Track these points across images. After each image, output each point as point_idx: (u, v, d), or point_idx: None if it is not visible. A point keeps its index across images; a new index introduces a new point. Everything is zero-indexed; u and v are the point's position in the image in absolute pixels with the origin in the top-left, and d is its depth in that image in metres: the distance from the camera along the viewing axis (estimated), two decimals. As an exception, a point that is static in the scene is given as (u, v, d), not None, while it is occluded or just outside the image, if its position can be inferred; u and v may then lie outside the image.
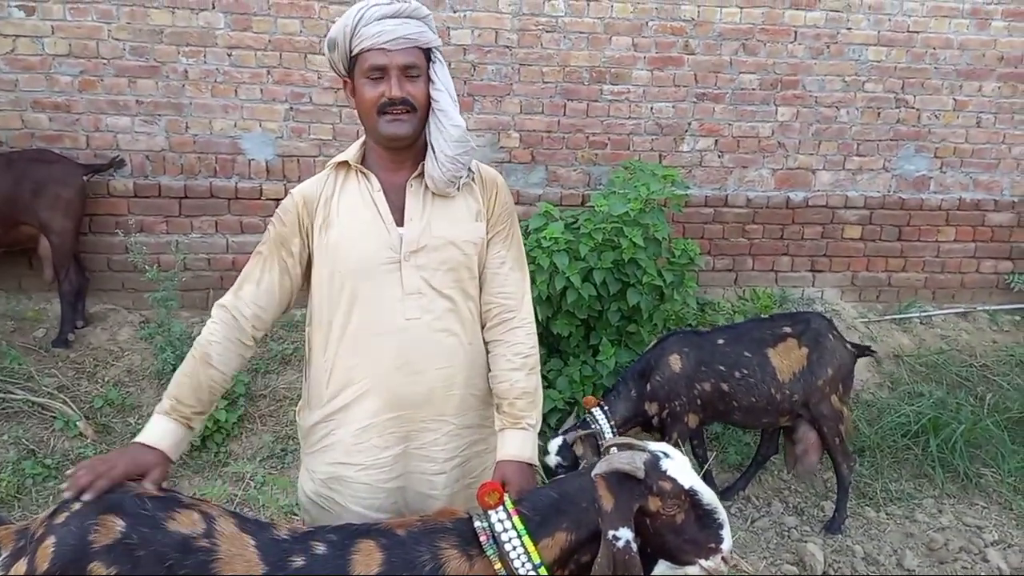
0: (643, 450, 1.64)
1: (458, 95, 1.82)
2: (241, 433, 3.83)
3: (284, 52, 4.43)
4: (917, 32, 4.92)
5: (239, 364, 1.79)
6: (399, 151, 1.78)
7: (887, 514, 3.68)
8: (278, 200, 4.48)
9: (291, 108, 4.49)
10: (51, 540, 1.43)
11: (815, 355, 3.40)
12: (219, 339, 1.75)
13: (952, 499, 3.82)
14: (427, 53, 1.76)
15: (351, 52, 1.73)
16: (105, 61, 4.29)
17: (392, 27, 1.69)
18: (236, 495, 3.39)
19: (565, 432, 3.18)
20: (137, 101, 4.36)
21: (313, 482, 1.86)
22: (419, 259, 1.75)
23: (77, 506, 1.48)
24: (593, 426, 3.15)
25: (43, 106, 4.29)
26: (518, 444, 1.77)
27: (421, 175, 1.78)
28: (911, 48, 4.93)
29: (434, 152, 1.74)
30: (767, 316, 3.77)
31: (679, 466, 1.61)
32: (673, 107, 4.82)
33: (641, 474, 1.57)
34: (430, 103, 1.75)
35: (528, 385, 1.81)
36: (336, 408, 1.79)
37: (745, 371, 3.35)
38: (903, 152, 5.07)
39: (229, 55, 4.39)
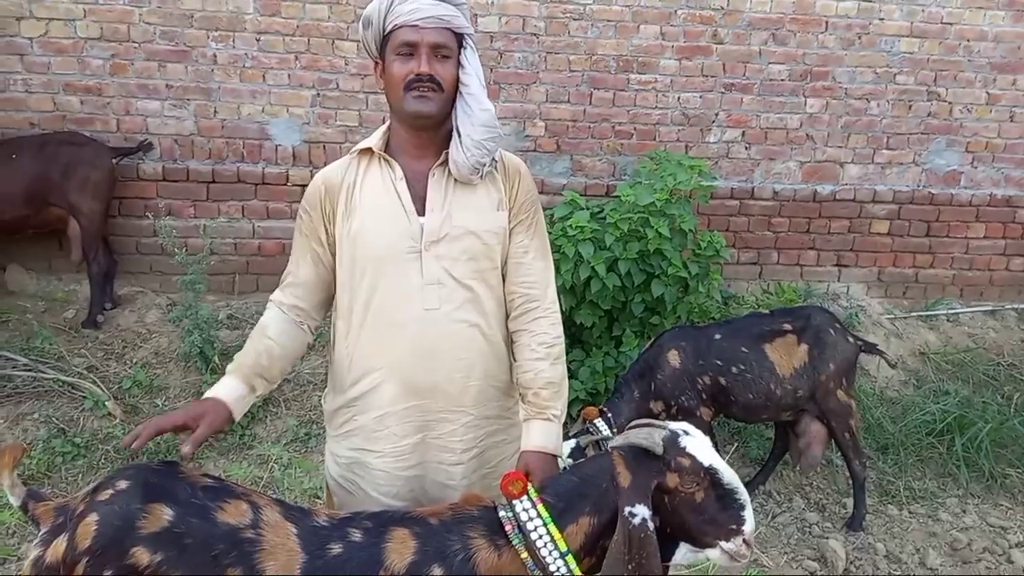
0: (663, 428, 1.62)
1: (484, 83, 1.82)
2: (266, 416, 3.87)
3: (312, 38, 4.44)
4: (951, 24, 4.83)
5: (296, 346, 1.84)
6: (423, 134, 1.78)
7: (910, 512, 3.66)
8: (303, 186, 4.50)
9: (318, 94, 4.51)
10: (94, 517, 1.45)
11: (816, 350, 3.38)
12: (273, 320, 1.84)
13: (976, 499, 3.78)
14: (459, 38, 1.76)
15: (384, 29, 1.74)
16: (136, 45, 4.33)
17: (426, 6, 1.70)
18: (261, 477, 3.43)
19: (576, 436, 3.16)
20: (167, 85, 4.39)
21: (338, 465, 1.89)
22: (440, 249, 1.75)
23: (123, 484, 1.49)
24: (593, 436, 3.12)
25: (75, 89, 4.34)
26: (542, 434, 1.77)
27: (444, 164, 1.77)
28: (944, 40, 4.85)
29: (460, 137, 1.74)
30: (767, 311, 3.74)
31: (699, 443, 1.59)
32: (700, 97, 4.77)
33: (659, 449, 1.56)
34: (458, 87, 1.75)
35: (553, 375, 1.81)
36: (357, 394, 1.81)
37: (743, 366, 3.33)
38: (934, 146, 5.00)
39: (258, 40, 4.41)
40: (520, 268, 1.84)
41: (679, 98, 4.76)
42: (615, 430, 3.16)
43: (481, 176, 1.79)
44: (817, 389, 3.38)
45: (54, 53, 4.28)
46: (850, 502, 3.60)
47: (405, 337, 1.75)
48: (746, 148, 4.88)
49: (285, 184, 4.58)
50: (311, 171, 4.54)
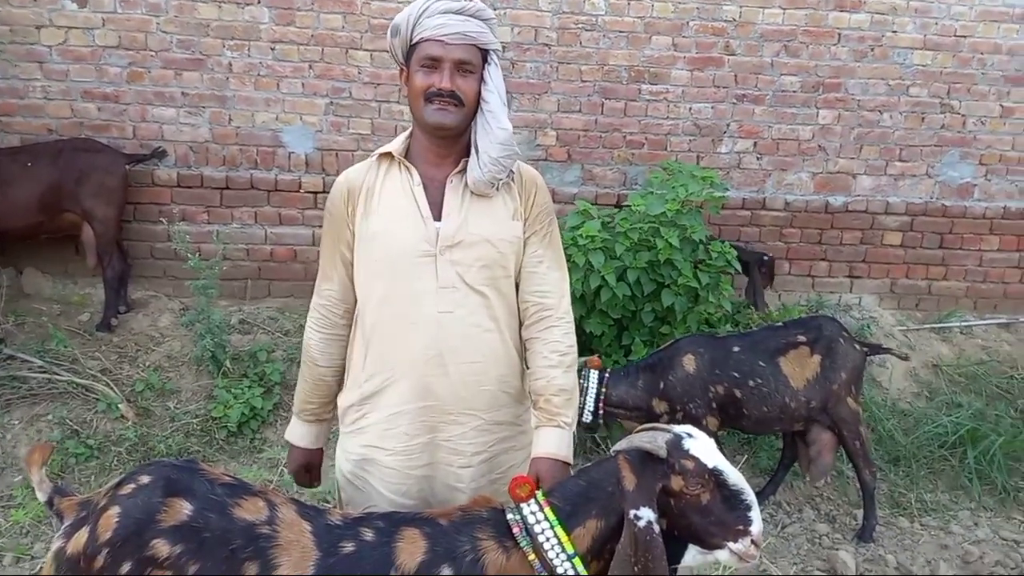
0: (667, 432, 1.63)
1: (506, 100, 1.84)
2: (276, 420, 3.89)
3: (326, 47, 4.48)
4: (964, 36, 4.82)
5: (341, 351, 1.94)
6: (443, 143, 1.81)
7: (921, 525, 3.63)
8: (316, 193, 4.62)
9: (331, 102, 4.55)
10: (115, 510, 1.48)
11: (828, 360, 3.39)
12: (316, 342, 1.93)
13: (989, 512, 3.75)
14: (484, 53, 1.79)
15: (411, 40, 1.77)
16: (153, 53, 4.39)
17: (454, 22, 1.73)
18: (271, 480, 3.45)
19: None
20: (183, 93, 4.45)
21: (348, 462, 1.91)
22: (454, 254, 1.77)
23: (144, 479, 1.53)
24: (582, 382, 3.14)
25: (92, 96, 4.40)
26: (554, 441, 1.77)
27: (462, 172, 1.80)
28: (958, 52, 4.84)
29: (477, 152, 1.77)
30: (780, 323, 3.75)
31: (703, 446, 1.59)
32: (712, 108, 4.79)
33: (663, 453, 1.56)
34: (479, 102, 1.78)
35: (565, 383, 1.82)
36: (370, 392, 1.84)
37: (760, 380, 3.34)
38: (947, 158, 4.98)
39: (272, 49, 4.46)
40: (534, 277, 1.86)
41: (691, 108, 4.78)
42: (603, 389, 3.26)
43: (497, 188, 1.82)
44: (829, 399, 3.38)
45: (72, 61, 4.35)
46: (860, 513, 3.58)
47: (419, 338, 1.78)
48: (758, 159, 4.88)
49: (298, 191, 4.61)
50: (324, 178, 4.59)
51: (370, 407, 1.85)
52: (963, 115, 4.92)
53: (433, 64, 1.74)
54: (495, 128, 1.76)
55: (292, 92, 4.52)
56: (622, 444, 1.65)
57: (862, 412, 3.51)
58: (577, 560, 1.53)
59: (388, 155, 1.85)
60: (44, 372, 3.82)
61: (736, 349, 3.41)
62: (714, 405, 3.34)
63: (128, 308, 4.40)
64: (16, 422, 3.61)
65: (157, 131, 4.47)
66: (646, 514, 1.53)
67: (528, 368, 1.88)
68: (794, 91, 4.80)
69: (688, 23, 4.66)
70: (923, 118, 4.91)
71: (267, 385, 3.93)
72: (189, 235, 4.19)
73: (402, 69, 1.84)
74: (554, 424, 1.78)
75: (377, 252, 1.80)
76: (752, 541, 1.58)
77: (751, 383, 3.33)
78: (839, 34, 4.75)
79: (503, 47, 4.49)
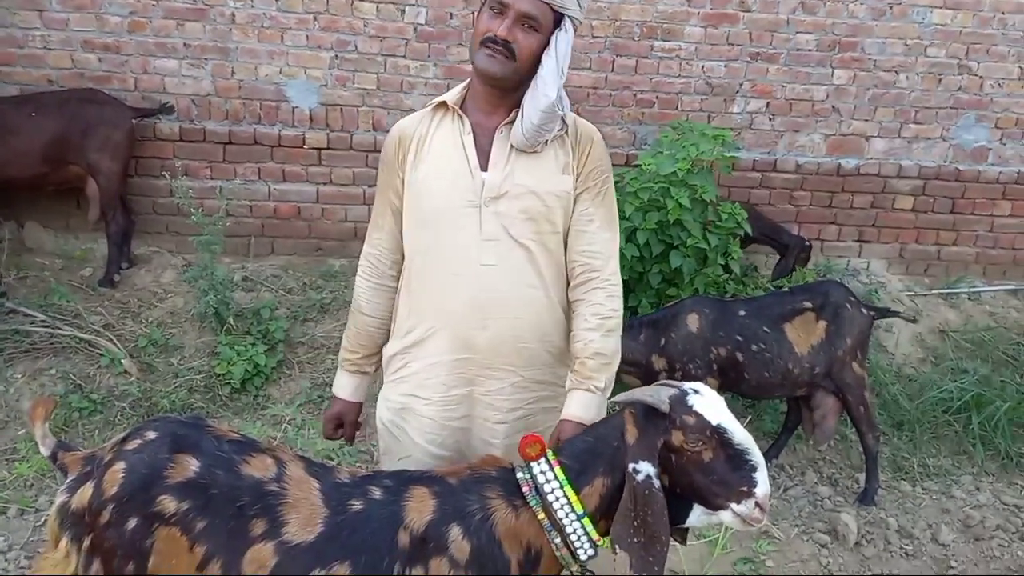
0: (674, 388, 1.60)
1: (565, 70, 1.79)
2: (279, 378, 3.89)
3: (331, -2, 4.38)
4: (986, -5, 4.70)
5: (388, 302, 1.95)
6: (495, 93, 1.78)
7: (923, 489, 3.64)
8: (320, 149, 4.56)
9: (336, 56, 4.45)
10: (121, 465, 1.46)
11: (834, 327, 3.39)
12: (363, 290, 1.95)
13: (991, 477, 3.76)
14: (559, 17, 1.74)
15: None
16: (154, 3, 4.28)
17: None
18: (275, 437, 3.45)
19: None
20: (185, 44, 4.35)
21: (388, 410, 1.92)
22: (499, 206, 1.75)
23: (151, 435, 1.51)
24: None
25: (93, 46, 4.31)
26: (582, 405, 1.74)
27: (512, 122, 1.78)
28: (978, 12, 4.72)
29: (522, 116, 1.74)
30: (787, 289, 3.73)
31: (708, 402, 1.55)
32: (725, 66, 4.68)
33: (664, 407, 1.53)
34: (536, 62, 1.73)
35: (603, 347, 1.77)
36: (411, 342, 1.85)
37: (763, 345, 3.33)
38: (962, 121, 4.89)
39: (276, 0, 4.35)
40: (583, 236, 1.82)
41: (703, 67, 4.67)
42: None
43: (545, 145, 1.78)
44: (834, 364, 3.37)
45: (73, 9, 4.25)
46: (863, 477, 3.59)
47: (461, 290, 1.77)
48: (770, 119, 4.79)
49: (301, 147, 4.54)
50: (328, 134, 4.52)
51: (411, 356, 1.86)
52: (981, 77, 4.82)
53: (500, 9, 1.70)
54: (540, 94, 1.72)
55: (296, 45, 4.42)
56: (622, 397, 1.62)
57: (868, 377, 3.50)
58: (586, 520, 1.52)
59: (444, 104, 1.83)
60: (47, 327, 3.81)
61: (742, 313, 3.39)
62: (715, 367, 3.32)
63: (131, 264, 4.37)
64: (19, 376, 3.61)
65: (159, 83, 4.39)
66: (645, 467, 1.51)
67: (570, 330, 1.85)
68: (809, 50, 4.69)
69: (702, -22, 4.54)
70: (940, 79, 4.80)
71: (270, 343, 3.91)
72: (192, 190, 4.12)
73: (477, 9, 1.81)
74: (584, 388, 1.75)
75: (423, 201, 1.80)
76: (756, 503, 1.52)
77: (754, 347, 3.32)
78: (857, -9, 4.63)
79: None
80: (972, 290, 4.99)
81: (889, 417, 4.05)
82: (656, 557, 1.48)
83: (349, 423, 2.03)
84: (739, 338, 3.32)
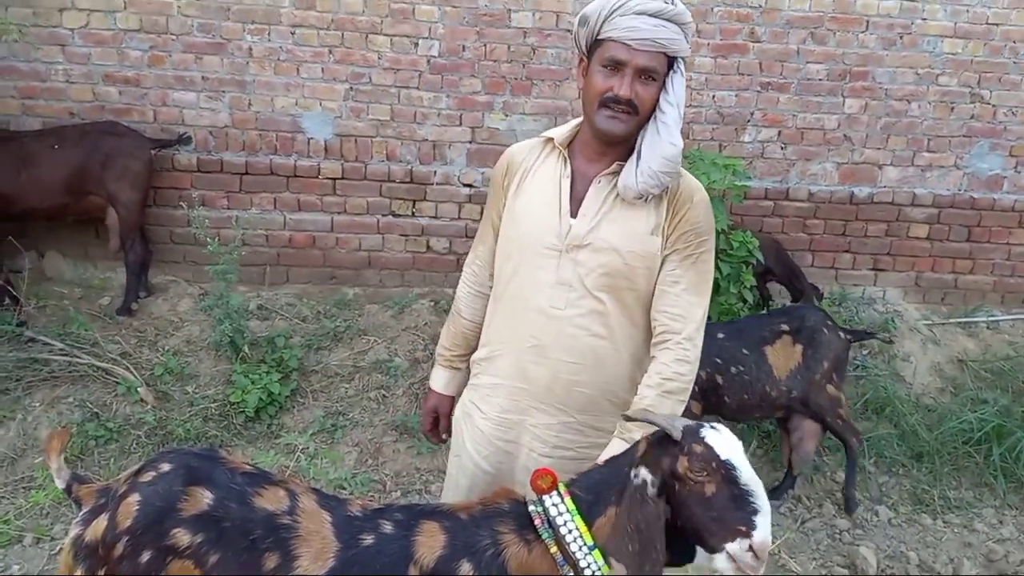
0: (693, 422, 1.58)
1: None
2: (293, 407, 3.89)
3: (346, 32, 4.45)
4: (996, 24, 4.70)
5: (485, 309, 2.02)
6: (606, 145, 1.79)
7: (944, 522, 3.58)
8: (335, 179, 4.61)
9: (351, 88, 4.52)
10: (135, 498, 1.47)
11: (810, 351, 3.43)
12: (464, 294, 2.07)
13: (1015, 510, 3.68)
14: (671, 61, 1.73)
15: (597, 34, 1.71)
16: (174, 37, 4.38)
17: (647, 27, 1.66)
18: (287, 466, 3.45)
19: None
20: (203, 77, 4.44)
21: (460, 408, 2.04)
22: (579, 255, 1.77)
23: (165, 467, 1.52)
24: None
25: (113, 80, 4.40)
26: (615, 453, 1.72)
27: (613, 174, 1.77)
28: (989, 41, 4.73)
29: (639, 160, 1.71)
30: (765, 312, 3.75)
31: (721, 438, 1.52)
32: (736, 96, 4.71)
33: (677, 433, 1.51)
34: (655, 109, 1.72)
35: (653, 405, 1.73)
36: (484, 356, 1.96)
37: (741, 367, 3.36)
38: (976, 149, 4.88)
39: (292, 33, 4.44)
40: (666, 297, 1.79)
41: (714, 96, 4.70)
42: None
43: (646, 200, 1.76)
44: (810, 389, 3.41)
45: (94, 44, 4.35)
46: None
47: (527, 325, 1.82)
48: (782, 148, 4.80)
49: (316, 177, 4.60)
50: (343, 165, 4.57)
51: (483, 369, 1.96)
52: (993, 105, 4.82)
53: (616, 67, 1.68)
54: (665, 141, 1.70)
55: (312, 77, 4.49)
56: (637, 413, 1.60)
57: (844, 398, 3.53)
58: (597, 552, 1.50)
59: (551, 140, 1.86)
60: (65, 355, 3.85)
61: (721, 335, 3.42)
62: (696, 389, 3.30)
63: (148, 292, 4.42)
64: (37, 404, 3.64)
65: (177, 115, 4.47)
66: (644, 474, 1.49)
67: None
68: (820, 79, 4.71)
69: (712, 9, 4.58)
70: (952, 108, 4.80)
71: (285, 371, 3.93)
72: (209, 220, 4.18)
73: (581, 59, 1.79)
74: (623, 438, 1.73)
75: (514, 232, 1.86)
76: (751, 546, 1.44)
77: (733, 370, 3.35)
78: (867, 21, 4.65)
79: (523, 33, 4.47)
80: (991, 319, 4.94)
81: (908, 448, 3.99)
82: (651, 567, 1.44)
83: (443, 415, 2.13)
84: (718, 360, 3.34)
